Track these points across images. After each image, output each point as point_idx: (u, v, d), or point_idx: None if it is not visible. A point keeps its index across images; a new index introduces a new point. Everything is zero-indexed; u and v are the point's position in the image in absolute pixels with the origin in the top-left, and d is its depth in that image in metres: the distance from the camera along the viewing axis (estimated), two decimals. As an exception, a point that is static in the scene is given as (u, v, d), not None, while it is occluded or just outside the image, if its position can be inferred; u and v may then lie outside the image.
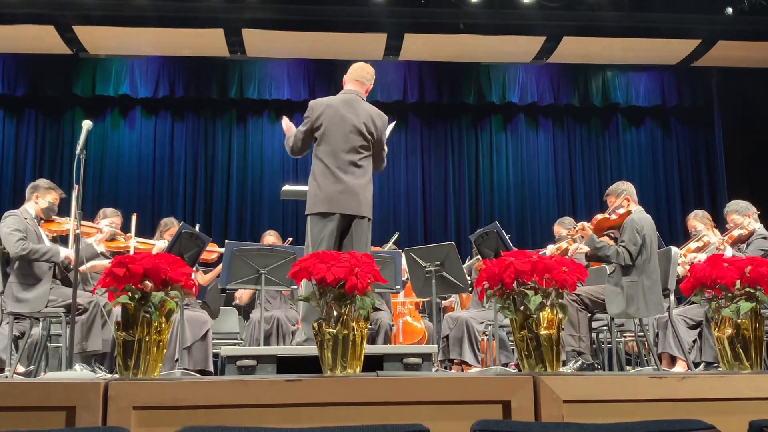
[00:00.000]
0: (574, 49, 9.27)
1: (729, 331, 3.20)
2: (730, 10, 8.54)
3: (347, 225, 4.44)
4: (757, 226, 5.82)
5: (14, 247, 4.84)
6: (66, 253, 5.03)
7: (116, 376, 3.07)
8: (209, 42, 9.01)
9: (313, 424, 2.40)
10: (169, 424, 2.31)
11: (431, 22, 8.64)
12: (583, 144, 10.21)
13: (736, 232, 5.78)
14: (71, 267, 4.93)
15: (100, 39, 9.01)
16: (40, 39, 8.81)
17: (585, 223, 5.30)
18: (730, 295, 3.21)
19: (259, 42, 9.08)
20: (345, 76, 4.78)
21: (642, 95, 10.02)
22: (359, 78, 4.71)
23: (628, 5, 8.46)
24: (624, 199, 5.27)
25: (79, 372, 4.16)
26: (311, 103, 4.62)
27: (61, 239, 5.40)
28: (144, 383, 2.50)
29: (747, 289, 3.18)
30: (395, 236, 7.31)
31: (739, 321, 3.17)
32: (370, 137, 4.52)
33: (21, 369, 5.20)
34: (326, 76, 9.52)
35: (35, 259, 4.89)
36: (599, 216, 5.29)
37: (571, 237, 5.70)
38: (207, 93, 9.67)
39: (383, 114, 4.66)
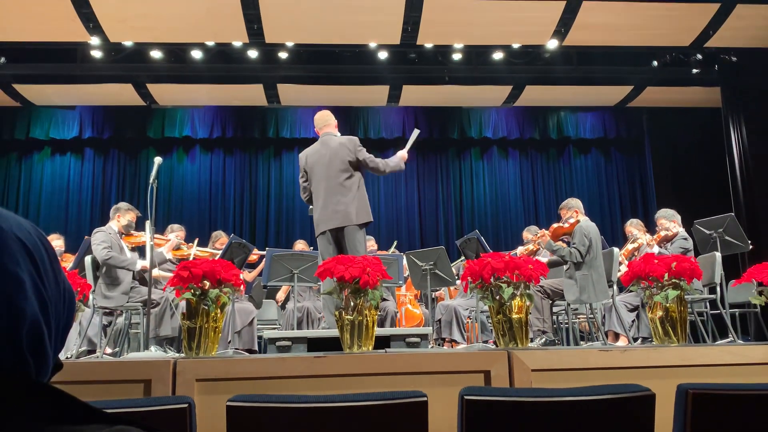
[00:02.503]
0: (534, 95, 9.29)
1: (660, 313, 3.19)
2: (655, 63, 8.59)
3: (340, 234, 4.40)
4: (681, 230, 5.80)
5: (101, 254, 4.87)
6: (142, 263, 5.03)
7: (182, 355, 3.07)
8: (252, 94, 9.06)
9: (335, 390, 2.39)
10: (224, 393, 2.31)
11: (423, 75, 8.67)
12: (543, 169, 10.18)
13: (663, 233, 5.76)
14: (144, 273, 4.95)
15: (168, 93, 9.06)
16: (121, 94, 8.88)
17: (545, 231, 5.29)
18: (660, 285, 3.20)
19: (291, 93, 9.11)
20: (316, 129, 4.73)
21: (588, 130, 10.00)
22: (328, 122, 4.71)
23: (575, 60, 8.49)
24: (573, 211, 5.26)
25: (154, 352, 4.16)
26: (300, 156, 4.65)
27: (139, 249, 5.42)
28: (204, 360, 2.50)
29: (673, 280, 3.17)
30: (395, 243, 7.34)
31: (667, 305, 3.16)
32: (348, 159, 4.45)
33: (108, 350, 5.20)
34: (343, 118, 9.44)
35: (116, 265, 4.91)
36: (555, 225, 5.29)
37: (535, 241, 5.70)
38: (250, 134, 9.69)
39: (352, 138, 4.57)
